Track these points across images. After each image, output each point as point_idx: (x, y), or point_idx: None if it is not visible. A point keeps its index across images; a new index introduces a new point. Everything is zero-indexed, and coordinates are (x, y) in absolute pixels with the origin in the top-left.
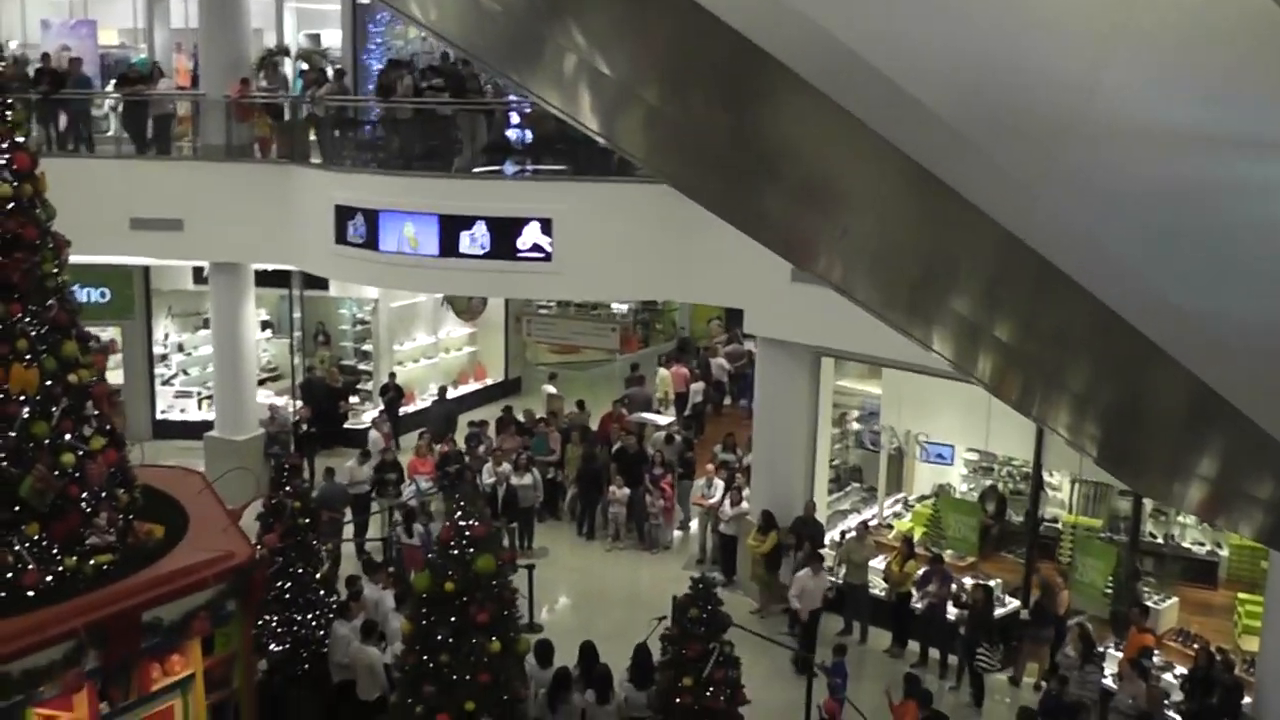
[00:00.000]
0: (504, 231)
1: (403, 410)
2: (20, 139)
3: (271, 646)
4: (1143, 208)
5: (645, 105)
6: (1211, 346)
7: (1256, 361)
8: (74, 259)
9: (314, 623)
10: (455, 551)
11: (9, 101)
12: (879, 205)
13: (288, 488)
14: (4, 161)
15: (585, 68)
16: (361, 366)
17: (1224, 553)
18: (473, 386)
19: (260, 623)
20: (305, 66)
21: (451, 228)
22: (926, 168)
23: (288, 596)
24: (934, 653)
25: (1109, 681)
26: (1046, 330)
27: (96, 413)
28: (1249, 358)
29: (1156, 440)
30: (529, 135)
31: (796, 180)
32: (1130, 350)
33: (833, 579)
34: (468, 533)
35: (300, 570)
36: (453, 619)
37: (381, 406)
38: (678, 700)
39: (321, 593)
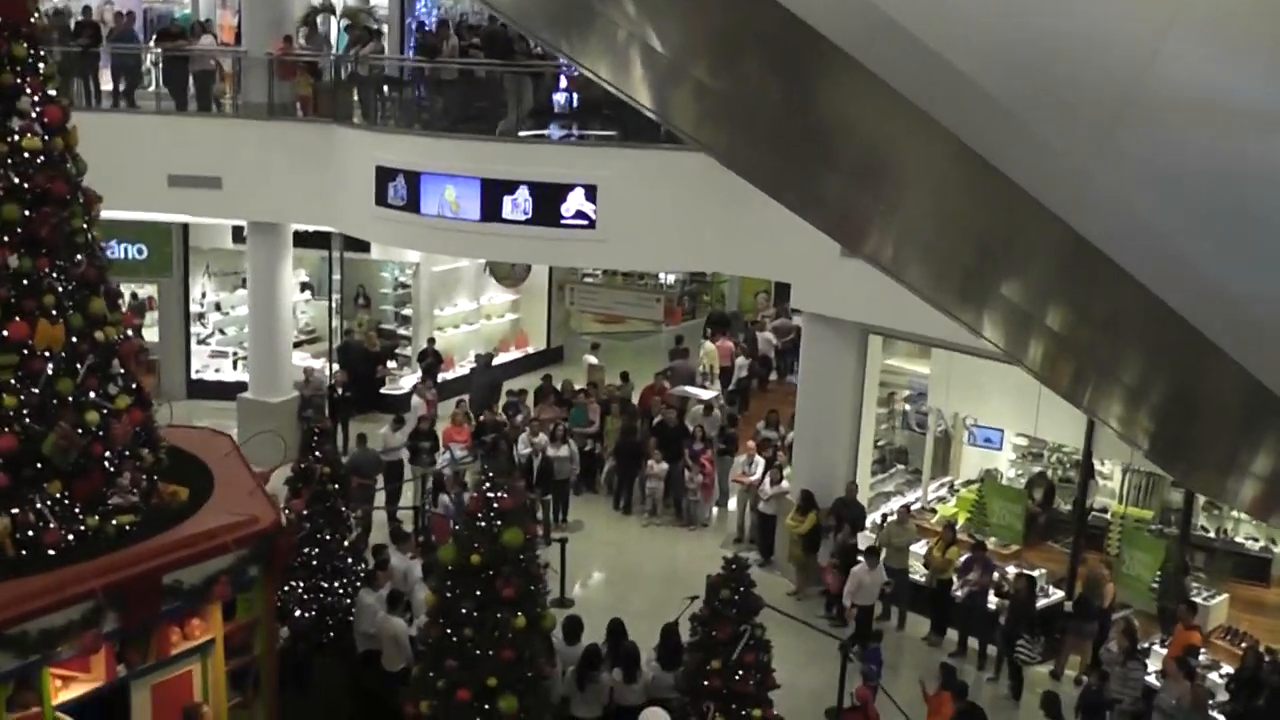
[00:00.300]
0: (548, 197)
1: (441, 376)
2: (52, 92)
3: (297, 613)
4: (1201, 190)
5: (692, 78)
6: (1267, 340)
7: None
8: (111, 215)
9: (340, 591)
10: (482, 524)
11: (41, 54)
12: (925, 185)
13: (317, 453)
14: (35, 114)
15: (634, 39)
16: (401, 331)
17: (1278, 549)
18: (514, 355)
19: (286, 589)
20: (351, 24)
21: (494, 192)
22: (971, 146)
23: (314, 563)
24: (973, 642)
25: (1152, 679)
26: (1097, 319)
27: (123, 371)
28: None
29: (1209, 436)
30: (575, 99)
31: (842, 157)
32: (1182, 343)
33: (887, 578)
34: (496, 505)
35: (328, 537)
36: (478, 592)
37: (420, 372)
38: (705, 683)
39: (349, 560)
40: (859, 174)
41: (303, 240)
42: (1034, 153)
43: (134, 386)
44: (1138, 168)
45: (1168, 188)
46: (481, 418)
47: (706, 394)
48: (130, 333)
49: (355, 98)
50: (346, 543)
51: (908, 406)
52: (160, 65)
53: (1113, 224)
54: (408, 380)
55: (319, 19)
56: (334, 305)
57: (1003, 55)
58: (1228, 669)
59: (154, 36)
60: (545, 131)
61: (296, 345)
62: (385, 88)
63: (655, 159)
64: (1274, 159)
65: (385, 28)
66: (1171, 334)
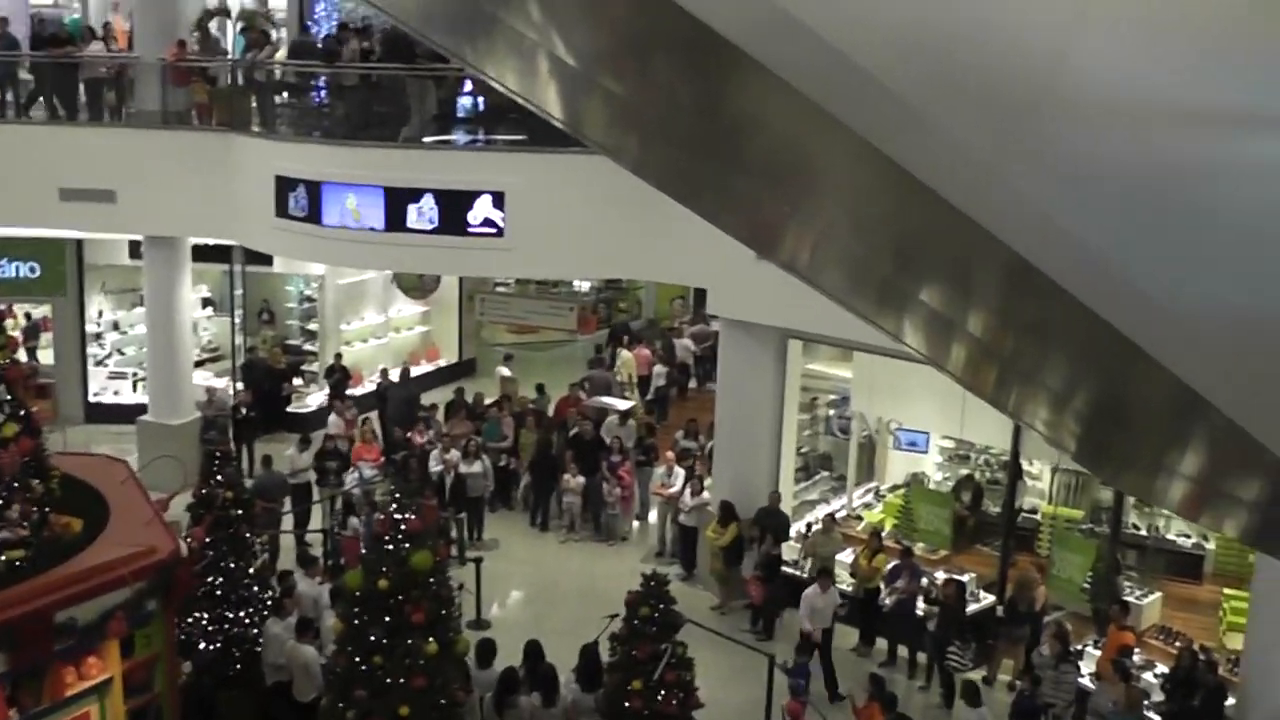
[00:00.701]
0: (454, 205)
1: (349, 393)
2: None
3: (201, 646)
4: (1119, 189)
5: (598, 84)
6: (1188, 340)
7: (1235, 356)
8: (0, 231)
9: (247, 621)
10: (390, 547)
11: None
12: (836, 188)
13: (219, 476)
14: None
15: (538, 45)
16: (307, 347)
17: (1210, 546)
18: (425, 368)
19: (188, 621)
20: (247, 27)
21: (398, 201)
22: (878, 147)
23: (218, 593)
24: (903, 651)
25: (1086, 682)
26: (1019, 324)
27: (9, 397)
28: (1227, 352)
29: (1135, 437)
30: (481, 103)
31: (751, 161)
32: (1106, 346)
33: (843, 595)
34: (403, 526)
35: (232, 565)
36: (386, 619)
37: (327, 389)
38: (626, 704)
39: (255, 589)
40: (769, 178)
41: (203, 254)
42: (944, 152)
43: (22, 413)
44: (1053, 166)
45: (1084, 187)
46: (411, 435)
47: (624, 404)
48: (17, 357)
49: (253, 104)
50: (252, 570)
51: (830, 412)
52: (39, 73)
53: (1029, 226)
54: (314, 398)
55: (213, 23)
56: (237, 321)
57: (907, 50)
58: (1162, 669)
59: (39, 42)
60: (450, 137)
61: (198, 364)
62: (284, 94)
63: (565, 164)
64: (1191, 155)
65: (284, 31)
66: (1095, 338)
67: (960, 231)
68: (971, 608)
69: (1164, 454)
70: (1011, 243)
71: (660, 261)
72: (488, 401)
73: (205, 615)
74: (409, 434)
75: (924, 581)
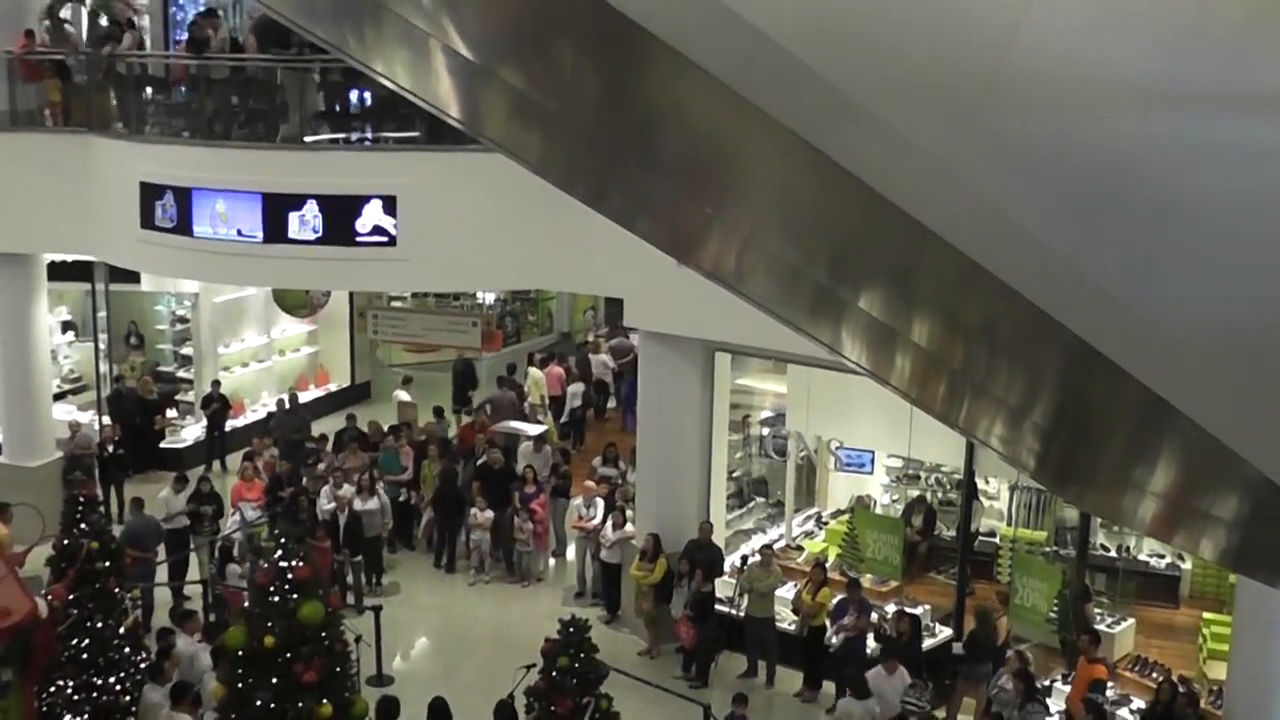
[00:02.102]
0: (340, 212)
1: (230, 424)
2: None
3: (66, 718)
4: (1075, 180)
5: (496, 77)
6: (1154, 344)
7: (1208, 361)
8: None
9: (119, 688)
10: (275, 598)
11: None
12: (762, 187)
13: (84, 524)
14: None
15: (429, 36)
16: (181, 374)
17: (1187, 566)
18: (314, 394)
19: (51, 690)
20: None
21: (278, 208)
22: (808, 139)
23: (85, 657)
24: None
25: None
26: (970, 331)
27: None
28: (1198, 356)
29: (1100, 452)
30: (368, 98)
31: (666, 158)
32: (1066, 352)
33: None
34: (290, 574)
35: (100, 625)
36: (274, 680)
37: (204, 420)
38: None
39: (127, 650)
40: (687, 178)
41: (61, 272)
42: (883, 145)
43: None
44: (1001, 158)
45: (1037, 179)
46: (282, 469)
47: (535, 428)
48: None
49: (113, 102)
50: (122, 630)
51: (764, 431)
52: None
53: (978, 224)
54: (190, 431)
55: (65, 10)
56: (101, 347)
57: (841, 32)
58: (1139, 703)
59: None
60: (335, 136)
61: (59, 396)
62: (148, 90)
63: (462, 163)
64: (1154, 140)
65: (146, 19)
66: (1053, 344)
67: (902, 231)
68: (927, 643)
69: (1132, 470)
70: (959, 243)
71: (572, 269)
72: (385, 429)
73: (70, 683)
74: (299, 468)
75: (874, 616)
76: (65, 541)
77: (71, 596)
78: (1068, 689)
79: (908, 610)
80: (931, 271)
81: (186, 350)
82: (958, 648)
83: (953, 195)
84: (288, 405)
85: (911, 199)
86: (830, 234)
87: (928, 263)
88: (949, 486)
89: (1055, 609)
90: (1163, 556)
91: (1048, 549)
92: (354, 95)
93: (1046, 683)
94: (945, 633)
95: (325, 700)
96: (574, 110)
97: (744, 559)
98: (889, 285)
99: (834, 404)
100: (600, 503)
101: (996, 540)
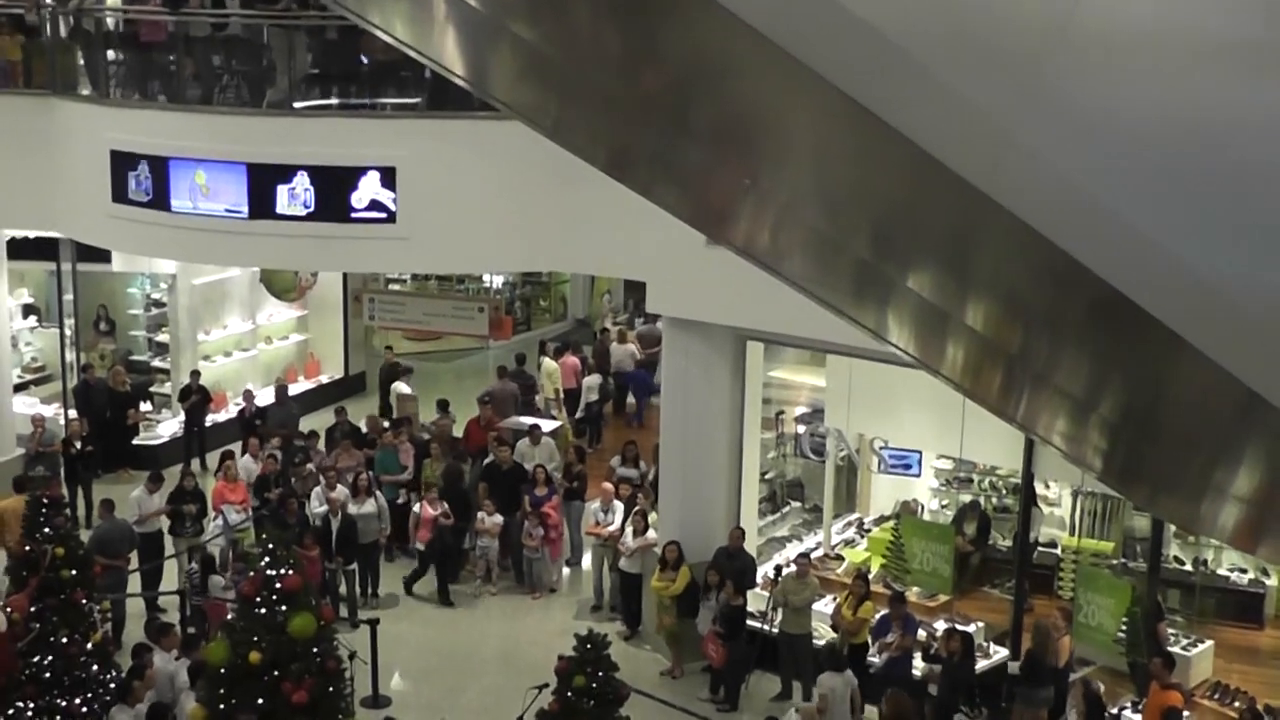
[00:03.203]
0: (334, 185)
1: (211, 419)
2: None
3: None
4: (1150, 145)
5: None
6: (1243, 328)
7: None
8: None
9: (85, 709)
10: (262, 610)
11: None
12: (804, 152)
13: (47, 528)
14: None
15: None
16: (157, 363)
17: (1272, 582)
18: (304, 385)
19: (10, 713)
20: None
21: (265, 181)
22: (857, 99)
23: (48, 675)
24: None
25: None
26: (1031, 312)
27: None
28: None
29: (1176, 450)
30: (365, 59)
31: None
32: (1138, 336)
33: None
34: (279, 583)
35: (65, 640)
36: (260, 700)
37: (182, 415)
38: None
39: (95, 668)
40: (722, 144)
41: (22, 251)
42: (940, 107)
43: None
44: (1069, 121)
45: (1109, 144)
46: (268, 468)
47: (549, 423)
48: None
49: (80, 62)
50: (90, 645)
51: (800, 428)
52: None
53: (1041, 190)
54: (167, 427)
55: None
56: (68, 334)
57: None
58: None
59: None
60: (327, 101)
61: (20, 388)
62: (119, 48)
63: (469, 131)
64: (1237, 105)
65: None
66: (1125, 327)
67: (958, 200)
68: (981, 665)
69: (1213, 471)
70: (1021, 212)
71: (589, 249)
72: (384, 425)
73: (31, 705)
74: (287, 468)
75: (921, 634)
76: (27, 547)
77: (34, 609)
78: (1138, 718)
79: (958, 628)
80: (990, 245)
81: (162, 337)
82: (1014, 669)
83: (1015, 161)
84: (273, 400)
85: (969, 164)
86: (879, 204)
87: (986, 235)
88: (1005, 491)
89: (1124, 629)
90: (1245, 571)
91: (1115, 561)
92: (349, 55)
93: (1114, 711)
94: (1000, 653)
95: None
96: (594, 67)
97: (778, 569)
98: (942, 261)
99: (878, 398)
100: (619, 506)
101: (1058, 551)
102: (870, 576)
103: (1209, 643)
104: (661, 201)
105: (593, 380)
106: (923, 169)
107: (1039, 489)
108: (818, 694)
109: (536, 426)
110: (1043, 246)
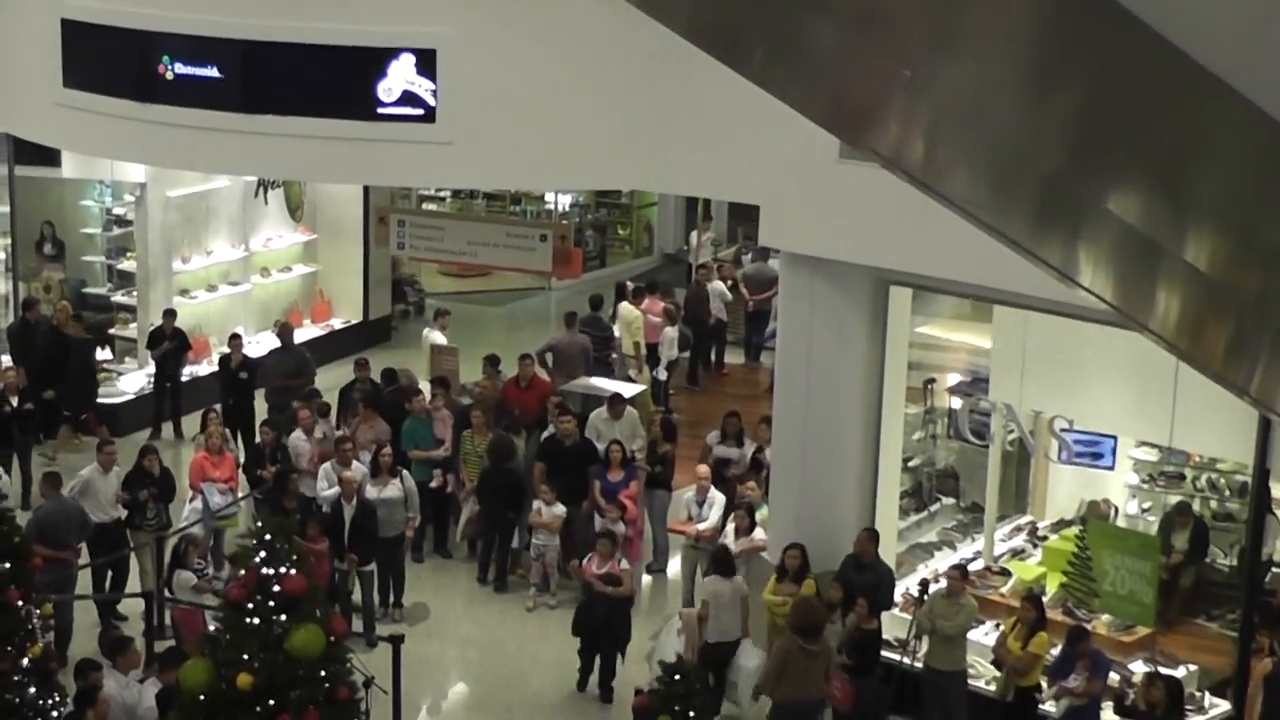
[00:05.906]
0: (354, 71)
1: (188, 371)
2: None
3: None
4: None
5: None
6: None
7: None
8: None
9: None
10: (255, 619)
11: None
12: (976, 27)
13: None
14: None
15: None
16: (119, 298)
17: None
18: (311, 332)
19: None
20: None
21: (264, 64)
22: None
23: None
24: None
25: None
26: (1268, 245)
27: None
28: None
29: None
30: None
31: None
32: None
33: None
34: (276, 586)
35: None
36: None
37: (152, 366)
38: None
39: (32, 691)
40: (874, 19)
41: None
42: None
43: None
44: None
45: None
46: (266, 437)
47: (630, 388)
48: None
49: None
50: (26, 661)
51: (956, 403)
52: None
53: None
54: (131, 380)
55: None
56: (2, 257)
57: None
58: None
59: None
60: None
61: None
62: None
63: (531, 4)
64: None
65: None
66: None
67: (1183, 89)
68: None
69: None
70: (1270, 108)
71: (684, 164)
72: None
73: None
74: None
75: (1113, 678)
76: None
77: None
78: None
79: (1163, 671)
80: (1220, 152)
81: (127, 265)
82: None
83: (1255, 37)
84: (281, 345)
85: (1197, 40)
86: (1075, 97)
87: (1216, 138)
88: (1229, 492)
89: None
90: None
91: None
92: None
93: None
94: (1220, 707)
95: None
96: None
97: (924, 586)
98: (1156, 175)
99: (1060, 365)
100: (718, 497)
101: None
102: (1046, 600)
103: None
104: (785, 97)
105: (672, 332)
106: (1136, 47)
107: (1275, 491)
108: (699, 599)
109: (619, 396)
110: None
